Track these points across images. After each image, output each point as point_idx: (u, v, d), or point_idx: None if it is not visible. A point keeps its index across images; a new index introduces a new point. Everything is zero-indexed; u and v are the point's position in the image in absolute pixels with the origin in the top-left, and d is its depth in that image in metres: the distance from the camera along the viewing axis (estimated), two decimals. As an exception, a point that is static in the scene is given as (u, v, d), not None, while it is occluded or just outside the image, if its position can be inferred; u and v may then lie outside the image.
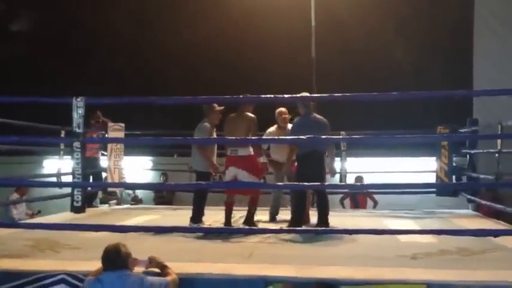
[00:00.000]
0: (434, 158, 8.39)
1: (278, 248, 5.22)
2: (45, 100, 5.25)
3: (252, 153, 6.11)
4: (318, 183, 5.74)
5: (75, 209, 5.17)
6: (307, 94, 6.21)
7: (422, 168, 9.66)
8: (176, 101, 5.72)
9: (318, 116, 6.15)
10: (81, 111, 4.86)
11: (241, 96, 5.71)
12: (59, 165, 8.23)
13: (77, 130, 4.88)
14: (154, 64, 17.64)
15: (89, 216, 7.19)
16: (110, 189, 9.46)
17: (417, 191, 9.36)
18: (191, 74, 17.02)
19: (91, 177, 8.79)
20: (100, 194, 9.38)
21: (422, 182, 8.26)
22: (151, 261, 3.99)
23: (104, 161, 8.77)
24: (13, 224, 5.31)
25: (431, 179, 8.36)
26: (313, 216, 6.27)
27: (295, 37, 14.76)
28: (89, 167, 8.70)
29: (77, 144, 4.93)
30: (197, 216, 6.21)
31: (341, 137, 8.47)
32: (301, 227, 5.84)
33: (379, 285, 3.88)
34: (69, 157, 5.12)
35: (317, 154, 6.00)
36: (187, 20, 17.10)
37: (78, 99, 4.86)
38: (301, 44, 14.00)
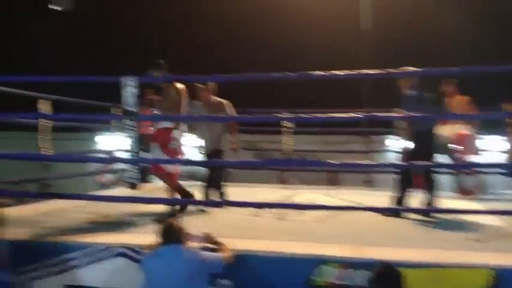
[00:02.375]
0: (498, 137, 8.03)
1: (335, 227, 5.17)
2: (97, 79, 5.39)
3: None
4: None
5: (132, 185, 5.26)
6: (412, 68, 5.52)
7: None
8: (216, 79, 5.67)
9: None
10: (134, 90, 4.91)
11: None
12: (111, 141, 8.42)
13: (131, 109, 4.94)
14: (199, 40, 17.63)
15: (146, 191, 7.33)
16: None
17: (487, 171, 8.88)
18: (236, 52, 16.93)
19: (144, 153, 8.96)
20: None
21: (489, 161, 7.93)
22: (206, 237, 4.04)
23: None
24: (75, 195, 5.45)
25: (497, 158, 8.01)
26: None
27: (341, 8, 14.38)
28: (142, 143, 8.88)
29: (131, 122, 4.99)
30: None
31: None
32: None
33: (443, 268, 3.73)
34: (120, 133, 5.25)
35: (432, 132, 5.78)
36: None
37: (130, 79, 4.91)
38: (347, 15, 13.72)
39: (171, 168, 5.68)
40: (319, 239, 4.52)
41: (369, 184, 9.92)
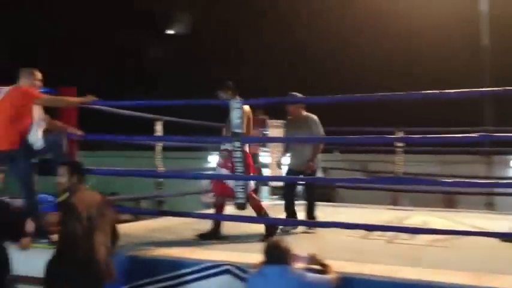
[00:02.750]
0: None
1: (450, 252, 4.86)
2: (206, 102, 5.68)
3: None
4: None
5: (238, 206, 5.33)
6: None
7: None
8: (317, 101, 5.65)
9: None
10: (239, 112, 5.03)
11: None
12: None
13: (236, 130, 5.04)
14: (309, 62, 17.69)
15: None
16: (272, 185, 9.58)
17: None
18: (346, 69, 16.76)
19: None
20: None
21: None
22: (312, 258, 3.95)
23: (265, 157, 8.96)
24: (185, 213, 5.62)
25: None
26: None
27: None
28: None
29: (236, 144, 5.08)
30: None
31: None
32: None
33: None
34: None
35: None
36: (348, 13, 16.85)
37: (236, 101, 5.02)
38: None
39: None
40: (431, 265, 4.25)
41: (490, 207, 9.29)
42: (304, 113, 6.11)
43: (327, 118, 6.29)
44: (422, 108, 12.27)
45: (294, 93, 5.82)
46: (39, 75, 5.13)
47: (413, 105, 12.80)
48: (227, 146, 5.44)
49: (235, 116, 5.04)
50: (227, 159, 5.40)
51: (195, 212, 6.08)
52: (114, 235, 4.18)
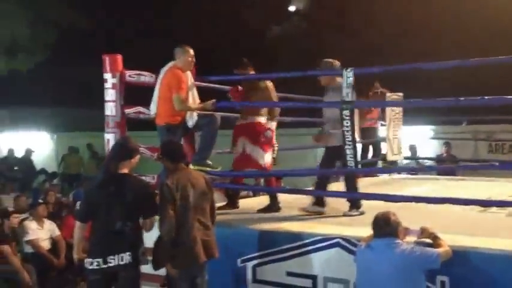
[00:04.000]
0: None
1: None
2: (318, 73, 5.59)
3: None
4: None
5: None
6: None
7: None
8: (442, 66, 5.34)
9: None
10: (350, 80, 4.94)
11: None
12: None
13: (346, 98, 4.97)
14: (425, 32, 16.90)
15: (369, 184, 7.40)
16: (390, 159, 9.45)
17: None
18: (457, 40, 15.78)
19: (370, 147, 9.05)
20: (380, 164, 9.50)
21: None
22: (423, 232, 3.93)
23: (382, 131, 8.85)
24: (299, 190, 5.80)
25: None
26: None
27: None
28: (367, 137, 8.95)
29: (346, 112, 4.99)
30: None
31: None
32: None
33: None
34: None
35: None
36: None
37: (348, 70, 4.96)
38: None
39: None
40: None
41: None
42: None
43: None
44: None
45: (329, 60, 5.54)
46: (191, 52, 5.39)
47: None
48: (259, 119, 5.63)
49: (346, 85, 4.99)
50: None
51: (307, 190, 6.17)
52: (212, 214, 4.41)
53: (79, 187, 11.10)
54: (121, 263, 4.01)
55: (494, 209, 5.22)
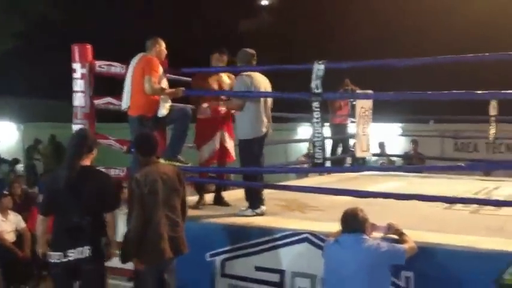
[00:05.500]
0: None
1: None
2: (291, 67, 5.59)
3: None
4: None
5: (316, 165, 5.32)
6: None
7: None
8: (412, 62, 5.36)
9: None
10: (320, 73, 4.88)
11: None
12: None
13: (316, 91, 4.92)
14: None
15: (336, 180, 7.49)
16: (358, 156, 9.56)
17: None
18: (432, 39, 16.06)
19: (340, 143, 9.16)
20: (349, 160, 9.62)
21: None
22: (390, 228, 4.00)
23: (352, 128, 8.95)
24: (267, 185, 5.81)
25: None
26: None
27: None
28: (337, 133, 9.05)
29: (315, 104, 4.97)
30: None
31: None
32: None
33: None
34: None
35: None
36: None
37: (319, 63, 4.92)
38: None
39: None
40: (514, 236, 4.17)
41: None
42: None
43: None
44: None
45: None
46: (162, 43, 5.35)
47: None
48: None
49: (316, 77, 4.90)
50: None
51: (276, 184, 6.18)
52: (183, 210, 4.38)
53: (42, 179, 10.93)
54: (80, 256, 3.98)
55: (458, 206, 5.35)
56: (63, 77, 7.04)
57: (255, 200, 5.16)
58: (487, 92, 4.87)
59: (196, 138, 5.72)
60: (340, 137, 9.00)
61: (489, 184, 7.38)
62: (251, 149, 5.17)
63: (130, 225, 4.08)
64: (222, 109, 5.59)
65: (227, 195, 5.98)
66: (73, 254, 3.97)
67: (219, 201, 5.78)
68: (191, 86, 5.86)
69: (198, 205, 5.65)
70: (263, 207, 5.18)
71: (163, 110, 5.25)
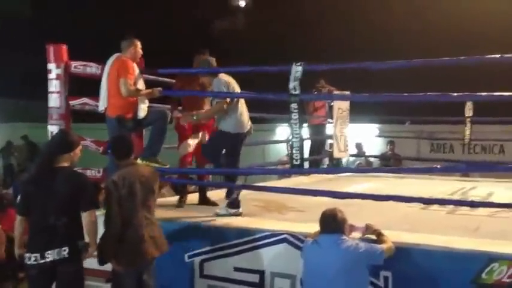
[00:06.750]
0: None
1: (510, 223, 4.79)
2: (269, 69, 5.54)
3: None
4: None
5: (294, 167, 5.34)
6: None
7: None
8: (389, 66, 5.42)
9: None
10: (298, 74, 4.89)
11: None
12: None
13: (294, 92, 4.93)
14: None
15: (315, 181, 7.51)
16: (336, 157, 9.61)
17: None
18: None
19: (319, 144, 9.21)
20: (327, 161, 9.66)
21: None
22: (368, 228, 4.03)
23: (329, 129, 8.98)
24: (246, 185, 5.80)
25: None
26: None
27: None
28: (315, 134, 9.09)
29: (293, 105, 4.96)
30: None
31: None
32: None
33: None
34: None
35: None
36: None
37: (297, 64, 4.92)
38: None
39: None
40: (491, 236, 4.22)
41: None
42: None
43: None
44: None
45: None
46: (138, 43, 5.29)
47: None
48: None
49: (294, 78, 4.90)
50: None
51: (253, 185, 6.17)
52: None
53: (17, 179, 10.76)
54: (57, 258, 3.92)
55: (435, 206, 5.41)
56: (36, 76, 6.95)
57: (233, 199, 5.16)
58: (462, 94, 4.93)
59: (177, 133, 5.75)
60: (318, 137, 9.02)
61: (466, 184, 7.50)
62: (226, 142, 5.18)
63: (108, 227, 4.03)
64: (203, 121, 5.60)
65: (213, 194, 5.96)
66: (50, 256, 3.91)
67: (204, 201, 5.75)
68: (174, 87, 5.84)
69: (180, 204, 5.65)
70: (239, 208, 5.17)
71: (141, 113, 5.21)
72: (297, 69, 4.89)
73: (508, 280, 3.58)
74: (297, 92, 4.93)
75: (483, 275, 3.66)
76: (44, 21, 18.22)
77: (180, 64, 5.84)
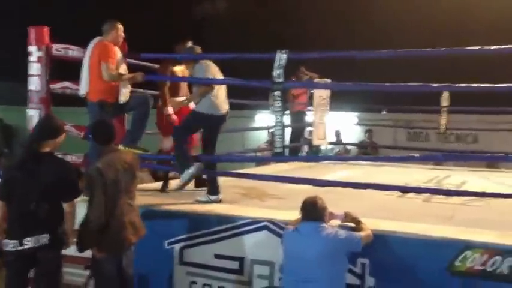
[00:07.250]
0: None
1: (485, 212, 4.93)
2: (253, 56, 5.55)
3: None
4: None
5: (275, 154, 5.40)
6: None
7: None
8: (374, 55, 5.48)
9: None
10: (282, 62, 4.88)
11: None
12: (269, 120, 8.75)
13: (278, 80, 4.94)
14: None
15: (294, 168, 7.58)
16: (315, 144, 9.68)
17: None
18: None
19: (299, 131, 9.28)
20: (306, 148, 9.73)
21: None
22: (347, 216, 4.10)
23: (309, 116, 9.05)
24: (226, 172, 5.83)
25: None
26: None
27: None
28: (295, 121, 9.13)
29: (277, 93, 4.99)
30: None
31: None
32: None
33: None
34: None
35: None
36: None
37: (282, 52, 4.92)
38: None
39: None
40: (465, 224, 4.34)
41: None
42: None
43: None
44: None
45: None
46: (120, 27, 5.26)
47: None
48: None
49: (278, 66, 4.90)
50: None
51: (233, 172, 6.20)
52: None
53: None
54: (37, 245, 3.91)
55: (411, 194, 5.51)
56: (16, 58, 6.83)
57: (213, 186, 5.19)
58: (439, 85, 5.02)
59: (160, 127, 5.74)
60: (298, 125, 9.08)
61: (440, 173, 7.64)
62: (197, 122, 5.19)
63: (91, 214, 4.01)
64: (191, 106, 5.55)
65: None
66: (29, 242, 3.90)
67: (201, 183, 5.71)
68: (158, 72, 5.83)
69: (164, 189, 5.71)
70: (219, 195, 5.20)
71: (122, 97, 5.18)
72: (281, 57, 4.91)
73: (480, 268, 3.70)
74: (281, 79, 4.95)
75: (457, 263, 3.77)
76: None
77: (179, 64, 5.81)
